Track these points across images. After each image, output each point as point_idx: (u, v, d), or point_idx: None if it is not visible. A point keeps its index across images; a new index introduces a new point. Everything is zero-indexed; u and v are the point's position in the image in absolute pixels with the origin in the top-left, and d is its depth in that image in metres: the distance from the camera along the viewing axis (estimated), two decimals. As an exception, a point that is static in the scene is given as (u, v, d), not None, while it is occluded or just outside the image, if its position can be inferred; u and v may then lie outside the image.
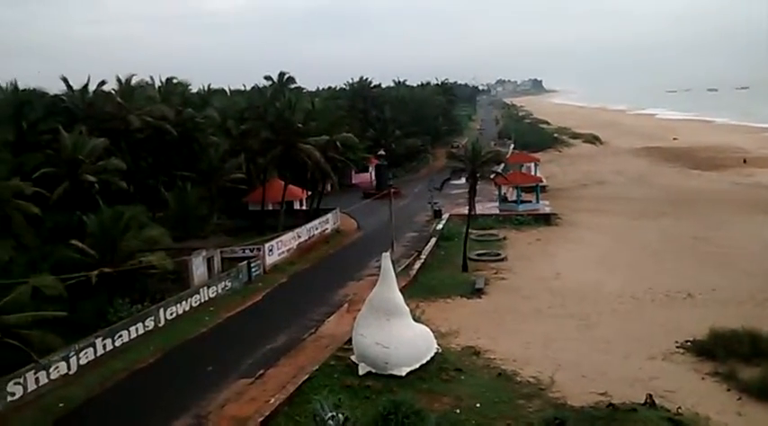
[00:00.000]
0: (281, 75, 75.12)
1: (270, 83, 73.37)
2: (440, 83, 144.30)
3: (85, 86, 49.31)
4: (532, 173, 69.48)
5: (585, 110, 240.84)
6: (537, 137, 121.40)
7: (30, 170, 37.83)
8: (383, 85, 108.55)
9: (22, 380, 24.90)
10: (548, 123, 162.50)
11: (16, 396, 24.62)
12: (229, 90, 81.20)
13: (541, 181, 66.81)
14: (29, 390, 25.10)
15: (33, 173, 37.57)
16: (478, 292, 37.60)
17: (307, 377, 25.46)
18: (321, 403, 22.16)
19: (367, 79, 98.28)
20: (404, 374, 25.52)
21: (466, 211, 46.22)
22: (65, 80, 49.04)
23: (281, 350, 29.85)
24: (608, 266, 43.21)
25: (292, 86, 74.97)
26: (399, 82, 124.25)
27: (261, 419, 22.14)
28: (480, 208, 56.10)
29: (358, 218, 59.35)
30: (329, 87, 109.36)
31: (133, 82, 50.81)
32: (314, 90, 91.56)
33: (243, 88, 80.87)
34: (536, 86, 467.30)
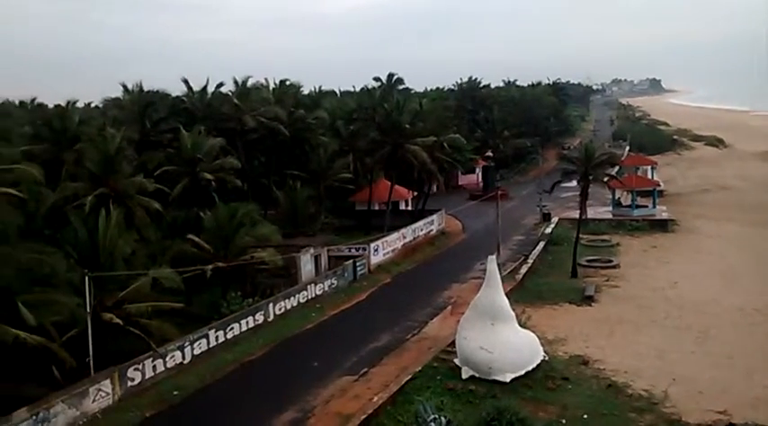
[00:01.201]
0: (390, 76, 75.78)
1: (379, 84, 74.18)
2: (551, 82, 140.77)
3: (204, 88, 51.71)
4: (649, 177, 66.34)
5: (707, 110, 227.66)
6: (654, 139, 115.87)
7: (152, 168, 40.03)
8: (492, 85, 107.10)
9: (141, 367, 26.30)
10: (666, 124, 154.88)
11: (135, 382, 26.02)
12: (339, 91, 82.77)
13: (659, 186, 63.73)
14: (146, 377, 26.48)
15: (155, 171, 39.74)
16: (588, 299, 36.29)
17: (410, 377, 25.43)
18: (424, 404, 22.11)
19: (476, 79, 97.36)
20: (508, 380, 24.98)
21: (576, 215, 44.77)
22: (185, 82, 51.63)
23: (385, 349, 29.98)
24: (730, 277, 40.59)
25: (401, 87, 75.49)
26: (509, 82, 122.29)
27: (364, 416, 22.29)
28: (592, 213, 54.11)
29: (464, 220, 58.85)
30: (437, 88, 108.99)
31: (249, 84, 52.70)
32: (422, 91, 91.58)
33: (352, 89, 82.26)
34: (654, 86, 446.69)
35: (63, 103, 49.28)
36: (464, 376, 25.63)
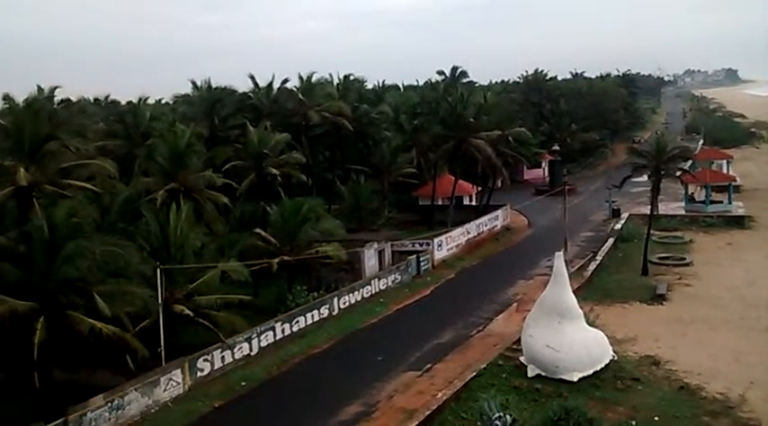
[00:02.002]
0: (454, 69, 75.22)
1: (442, 77, 73.79)
2: (621, 74, 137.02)
3: (270, 84, 52.57)
4: (724, 171, 63.73)
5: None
6: (730, 132, 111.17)
7: (220, 163, 40.93)
8: (559, 78, 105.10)
9: (210, 358, 26.91)
10: (743, 117, 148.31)
11: (204, 372, 26.65)
12: (403, 85, 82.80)
13: (735, 181, 61.05)
14: (215, 367, 27.09)
15: (223, 166, 40.62)
16: (660, 298, 35.15)
17: (474, 374, 25.19)
18: (489, 402, 21.84)
19: (542, 71, 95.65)
20: (575, 379, 24.44)
21: (647, 211, 43.41)
22: (252, 78, 52.62)
23: (449, 345, 29.79)
24: (813, 276, 38.58)
25: (465, 81, 74.89)
26: (577, 73, 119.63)
27: (428, 412, 22.20)
28: (664, 208, 52.34)
29: (529, 216, 57.92)
30: (502, 80, 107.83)
31: (313, 79, 53.23)
32: (486, 84, 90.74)
33: (416, 83, 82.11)
34: (730, 76, 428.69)
35: (135, 100, 50.88)
36: (530, 374, 25.21)
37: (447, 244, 45.67)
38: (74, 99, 54.36)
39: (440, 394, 23.80)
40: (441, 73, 74.82)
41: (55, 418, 20.91)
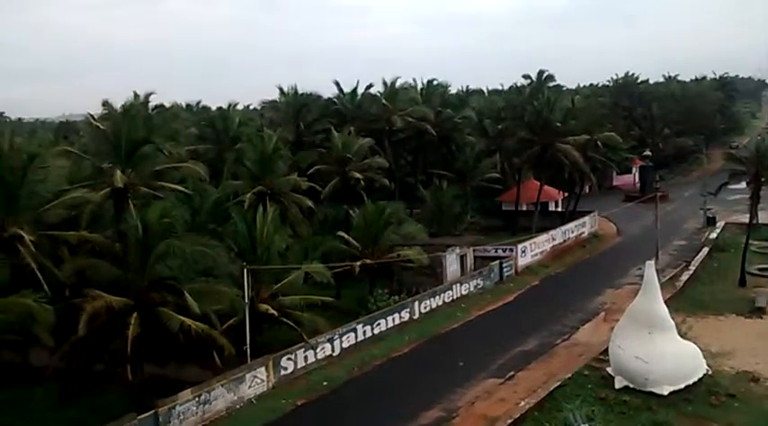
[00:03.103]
0: (540, 73, 73.66)
1: (528, 81, 72.44)
2: (717, 77, 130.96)
3: (354, 89, 53.27)
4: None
5: None
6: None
7: (305, 167, 41.72)
8: (651, 81, 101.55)
9: (293, 357, 27.35)
10: None
11: (288, 371, 27.10)
12: (487, 90, 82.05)
13: (843, 188, 57.11)
14: (298, 366, 27.50)
15: (308, 170, 41.41)
16: (759, 311, 33.23)
17: (558, 384, 24.51)
18: (573, 412, 21.25)
19: (633, 74, 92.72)
20: (666, 393, 23.39)
21: (745, 219, 41.17)
22: (337, 84, 53.51)
23: (532, 353, 29.14)
24: None
25: (551, 84, 73.21)
26: (670, 76, 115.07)
27: (510, 421, 21.75)
28: (764, 217, 49.54)
29: (618, 223, 56.13)
30: (591, 84, 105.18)
31: (397, 84, 53.58)
32: (574, 87, 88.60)
33: (500, 88, 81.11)
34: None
35: (225, 106, 52.58)
36: (617, 385, 24.32)
37: (531, 251, 44.81)
38: (167, 104, 56.85)
39: (522, 403, 23.30)
40: (526, 76, 73.45)
41: (146, 410, 21.74)
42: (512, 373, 26.96)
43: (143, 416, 21.47)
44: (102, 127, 31.34)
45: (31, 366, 26.95)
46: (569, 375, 25.32)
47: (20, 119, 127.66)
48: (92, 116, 33.02)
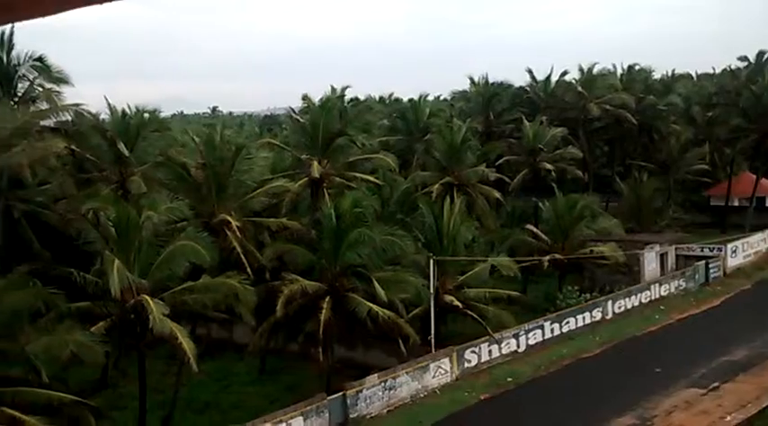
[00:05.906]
0: (761, 53, 66.36)
1: (745, 64, 65.65)
2: None
3: (548, 77, 51.56)
4: None
5: None
6: None
7: (493, 157, 41.18)
8: None
9: (477, 350, 27.10)
10: None
11: (471, 364, 26.90)
12: (696, 74, 75.68)
13: None
14: (482, 360, 27.19)
15: (496, 161, 40.83)
16: None
17: (772, 401, 21.95)
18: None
19: None
20: None
21: None
22: (529, 72, 52.12)
23: (741, 364, 26.31)
24: None
25: (773, 66, 65.82)
26: None
27: (713, 437, 19.87)
28: None
29: None
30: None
31: (594, 71, 51.09)
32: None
33: (712, 71, 74.38)
34: None
35: (416, 97, 53.39)
36: None
37: (743, 251, 40.68)
38: (361, 97, 58.95)
39: (729, 418, 21.22)
40: (743, 58, 66.53)
41: (335, 391, 22.68)
42: (716, 384, 24.54)
43: (332, 397, 22.41)
44: (301, 120, 33.14)
45: (234, 342, 29.37)
46: (787, 392, 22.60)
47: (230, 112, 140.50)
48: (292, 110, 35.08)
